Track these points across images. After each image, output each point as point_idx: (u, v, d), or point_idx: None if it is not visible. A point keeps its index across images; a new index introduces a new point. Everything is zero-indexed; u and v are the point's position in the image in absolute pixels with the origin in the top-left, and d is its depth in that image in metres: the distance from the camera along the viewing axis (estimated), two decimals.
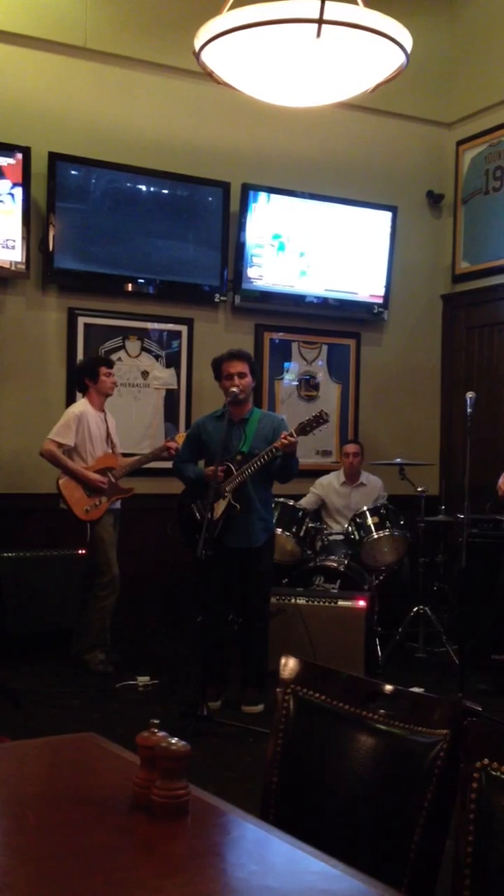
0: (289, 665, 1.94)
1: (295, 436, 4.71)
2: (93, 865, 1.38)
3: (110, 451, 5.68)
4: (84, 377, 5.69)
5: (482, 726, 1.53)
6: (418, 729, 1.66)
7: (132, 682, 5.27)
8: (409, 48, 2.99)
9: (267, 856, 1.49)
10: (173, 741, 1.52)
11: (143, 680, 5.28)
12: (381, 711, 1.75)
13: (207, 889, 1.34)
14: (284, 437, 4.69)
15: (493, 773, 1.47)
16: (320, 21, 2.79)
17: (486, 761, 1.48)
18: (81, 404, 5.65)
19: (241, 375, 4.91)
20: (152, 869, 1.39)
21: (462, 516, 5.20)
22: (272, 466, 4.88)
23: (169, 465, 5.38)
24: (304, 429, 4.78)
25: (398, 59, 3.05)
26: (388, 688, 1.79)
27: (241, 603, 5.14)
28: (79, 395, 5.80)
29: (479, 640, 5.45)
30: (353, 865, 1.43)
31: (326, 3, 2.76)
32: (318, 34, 2.82)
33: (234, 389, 4.86)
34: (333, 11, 2.79)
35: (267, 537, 5.07)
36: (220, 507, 4.84)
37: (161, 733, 1.56)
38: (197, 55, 3.08)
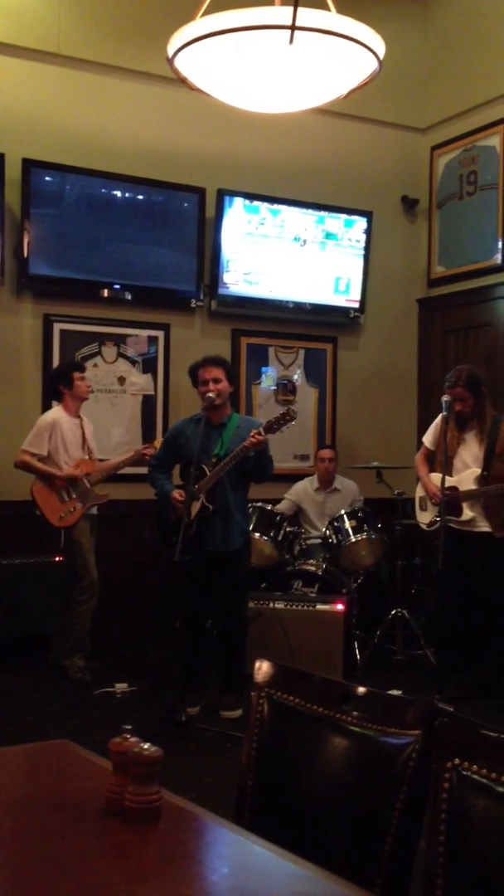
0: (263, 668, 1.94)
1: (263, 434, 4.73)
2: (65, 871, 1.38)
3: (87, 456, 5.67)
4: (58, 384, 5.68)
5: (453, 726, 1.54)
6: (391, 730, 1.67)
7: (110, 689, 5.25)
8: (381, 54, 3.01)
9: (240, 859, 1.49)
10: (145, 746, 1.53)
11: (120, 687, 5.27)
12: (355, 713, 1.76)
13: (180, 893, 1.34)
14: (253, 436, 4.72)
15: (464, 772, 1.48)
16: (293, 27, 2.80)
17: (457, 761, 1.49)
18: (55, 412, 5.64)
19: (217, 381, 4.93)
20: (125, 874, 1.39)
21: (439, 518, 5.22)
22: (246, 466, 4.90)
23: (145, 470, 5.37)
24: (272, 427, 4.80)
25: (371, 65, 3.07)
26: (361, 689, 1.80)
27: (219, 608, 5.15)
28: (54, 402, 5.79)
29: (455, 641, 5.48)
30: (328, 867, 1.44)
31: (299, 9, 2.78)
32: (291, 40, 2.84)
33: (211, 395, 4.88)
34: (306, 18, 2.80)
35: (244, 541, 5.09)
36: (195, 508, 4.86)
37: (133, 739, 1.56)
38: (170, 61, 3.09)
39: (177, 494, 4.92)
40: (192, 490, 4.77)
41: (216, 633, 5.40)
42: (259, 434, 4.72)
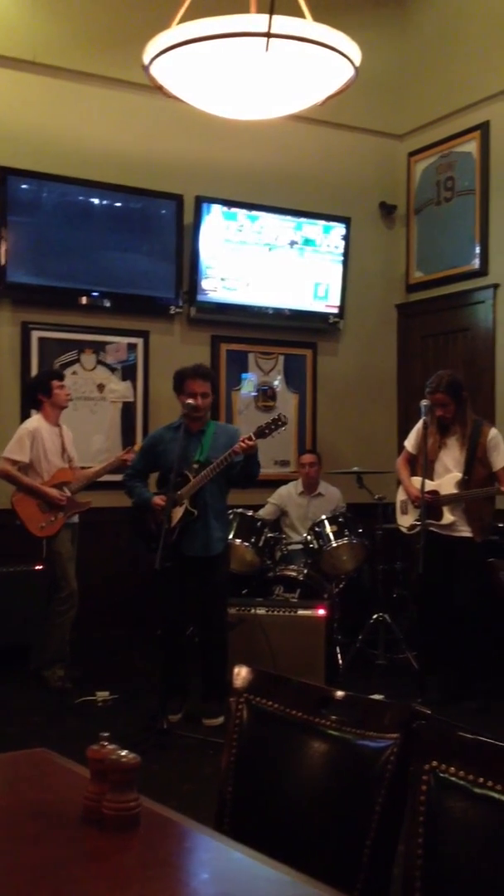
0: (241, 674, 1.94)
1: (254, 439, 4.76)
2: (43, 879, 1.37)
3: (66, 465, 5.65)
4: (37, 393, 5.66)
5: (430, 728, 1.55)
6: (369, 733, 1.68)
7: (91, 698, 5.23)
8: (357, 61, 3.02)
9: (219, 865, 1.49)
10: (123, 753, 1.52)
11: (102, 695, 5.25)
12: (333, 717, 1.76)
13: None
14: (244, 441, 4.75)
15: (442, 774, 1.49)
16: (269, 35, 2.81)
17: (434, 763, 1.50)
18: (35, 420, 5.61)
19: (205, 395, 4.98)
20: (103, 881, 1.38)
21: (419, 522, 5.24)
22: (232, 472, 4.92)
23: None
24: (263, 432, 4.85)
25: (347, 72, 3.08)
26: (339, 693, 1.80)
27: (199, 614, 5.14)
28: (33, 411, 5.76)
29: (436, 645, 5.50)
30: (308, 872, 1.43)
31: (275, 17, 2.79)
32: (267, 48, 2.85)
33: (191, 402, 4.90)
34: (282, 25, 2.81)
35: (223, 546, 5.11)
36: (178, 513, 4.87)
37: (111, 746, 1.55)
38: (146, 69, 3.10)
39: (159, 500, 4.92)
40: (173, 496, 4.77)
41: (197, 640, 5.40)
42: (249, 439, 4.76)
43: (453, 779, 1.47)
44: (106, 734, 1.58)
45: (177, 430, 4.94)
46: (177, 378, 5.07)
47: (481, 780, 1.45)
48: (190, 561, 4.91)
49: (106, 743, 1.57)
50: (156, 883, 1.36)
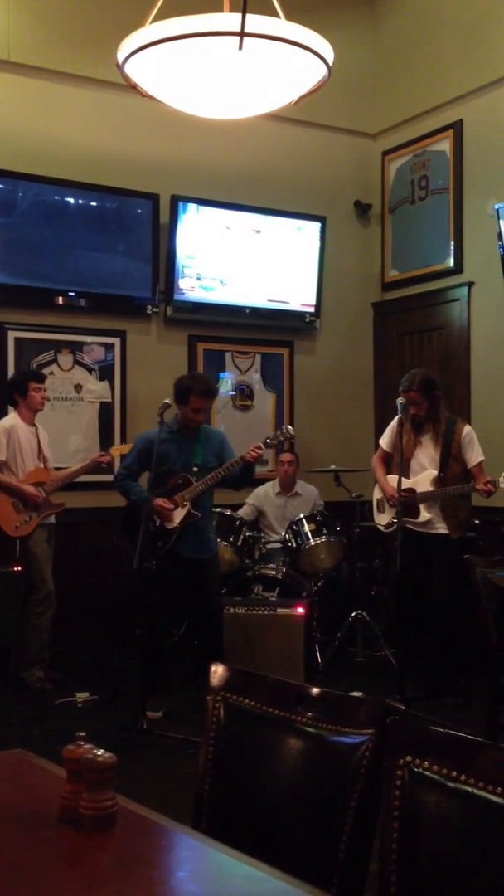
0: (218, 672, 1.95)
1: (263, 448, 5.04)
2: (18, 880, 1.36)
3: (42, 465, 5.63)
4: (13, 392, 5.63)
5: (404, 724, 1.56)
6: (344, 729, 1.69)
7: (71, 699, 5.22)
8: (330, 60, 3.04)
9: (196, 863, 1.49)
10: (99, 753, 1.52)
11: (81, 696, 5.23)
12: (309, 714, 1.77)
13: None
14: (254, 450, 4.98)
15: (416, 769, 1.50)
16: (242, 34, 2.82)
17: (408, 758, 1.51)
18: (11, 418, 5.59)
19: (206, 410, 5.22)
20: (78, 881, 1.38)
21: (396, 520, 5.26)
22: (230, 476, 5.11)
23: (103, 478, 5.35)
24: (269, 443, 5.16)
25: (320, 71, 3.10)
26: (315, 690, 1.81)
27: (200, 612, 5.22)
28: (10, 408, 5.74)
29: (415, 642, 5.52)
30: (284, 868, 1.44)
31: (248, 16, 2.79)
32: (241, 47, 2.85)
33: (179, 407, 5.06)
34: (255, 24, 2.82)
35: (216, 545, 5.37)
36: (179, 515, 4.98)
37: (87, 746, 1.55)
38: (120, 67, 3.09)
39: (161, 502, 4.97)
40: (173, 498, 4.97)
41: (177, 639, 5.41)
42: (259, 448, 5.00)
43: (427, 773, 1.49)
44: (82, 734, 1.58)
45: (171, 433, 5.00)
46: (183, 389, 5.08)
47: (455, 774, 1.46)
48: (185, 562, 5.02)
49: (82, 742, 1.57)
50: (132, 881, 1.37)
